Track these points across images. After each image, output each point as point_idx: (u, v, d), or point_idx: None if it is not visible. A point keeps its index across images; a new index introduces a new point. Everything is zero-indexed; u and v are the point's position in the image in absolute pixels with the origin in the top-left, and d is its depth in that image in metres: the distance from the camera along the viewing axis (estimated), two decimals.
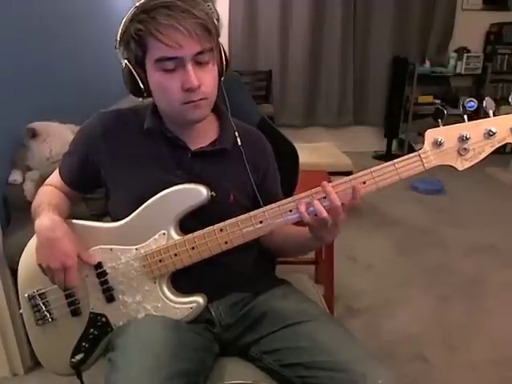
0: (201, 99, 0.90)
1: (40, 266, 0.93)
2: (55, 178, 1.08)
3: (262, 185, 1.04)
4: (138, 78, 0.90)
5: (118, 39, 0.90)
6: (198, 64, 0.87)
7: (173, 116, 0.95)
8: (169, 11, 0.82)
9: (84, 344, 0.97)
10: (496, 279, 2.32)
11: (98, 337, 0.97)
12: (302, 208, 0.86)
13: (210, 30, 0.86)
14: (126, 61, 0.90)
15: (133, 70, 0.90)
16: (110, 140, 1.00)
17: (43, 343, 1.02)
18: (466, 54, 4.34)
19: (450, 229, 2.88)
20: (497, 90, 4.45)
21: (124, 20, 0.88)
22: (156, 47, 0.85)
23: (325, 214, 0.84)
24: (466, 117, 0.85)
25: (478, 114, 0.86)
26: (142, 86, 0.91)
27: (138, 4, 0.86)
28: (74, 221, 1.00)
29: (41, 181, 1.12)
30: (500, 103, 0.84)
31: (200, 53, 0.86)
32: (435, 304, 2.11)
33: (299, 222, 0.90)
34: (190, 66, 0.86)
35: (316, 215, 0.85)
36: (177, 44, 0.83)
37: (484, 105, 0.84)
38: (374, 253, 2.59)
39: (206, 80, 0.89)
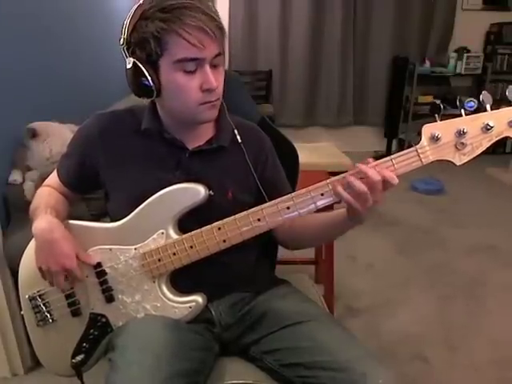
0: (216, 99, 0.91)
1: (40, 269, 0.93)
2: (53, 179, 1.08)
3: (263, 177, 1.04)
4: (148, 78, 0.87)
5: (127, 37, 0.87)
6: (214, 66, 0.89)
7: (185, 116, 0.93)
8: (192, 12, 0.83)
9: (84, 344, 0.97)
10: (496, 279, 2.32)
11: (98, 337, 0.97)
12: (339, 189, 0.82)
13: (225, 33, 0.89)
14: (133, 59, 0.87)
15: (144, 70, 0.87)
16: (108, 141, 1.00)
17: (44, 344, 1.02)
18: (466, 54, 4.34)
19: (451, 229, 2.88)
20: (497, 90, 4.44)
21: (131, 17, 0.86)
22: (179, 47, 0.84)
23: (364, 188, 0.80)
24: (463, 111, 0.84)
25: (477, 113, 0.85)
26: (152, 86, 0.88)
27: (142, 2, 0.85)
28: (73, 221, 1.00)
29: (40, 181, 1.12)
30: (500, 103, 0.83)
31: (217, 55, 0.88)
32: (435, 304, 2.11)
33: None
34: (208, 67, 0.87)
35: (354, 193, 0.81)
36: (202, 45, 0.84)
37: (481, 99, 0.83)
38: (373, 253, 2.59)
39: (219, 82, 0.91)
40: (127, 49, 0.88)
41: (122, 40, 0.88)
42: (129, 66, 0.88)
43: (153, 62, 0.87)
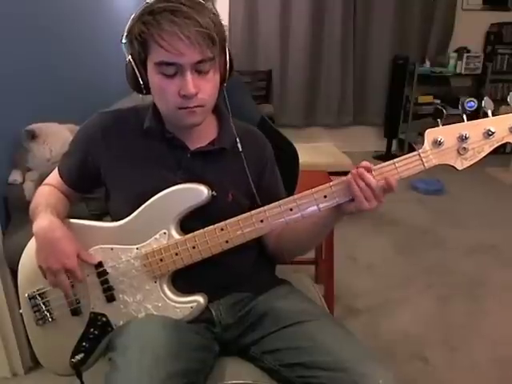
0: (196, 106, 0.90)
1: (40, 268, 0.93)
2: (54, 177, 1.08)
3: (260, 183, 1.04)
4: (138, 75, 0.91)
5: (125, 35, 0.90)
6: (198, 72, 0.88)
7: (169, 118, 0.96)
8: (173, 17, 0.83)
9: (84, 344, 0.97)
10: (496, 279, 2.32)
11: (98, 336, 0.97)
12: (353, 181, 0.85)
13: (213, 39, 0.86)
14: (129, 56, 0.91)
15: (134, 67, 0.91)
16: (110, 140, 1.00)
17: (43, 343, 1.02)
18: (466, 54, 4.34)
19: (450, 229, 2.88)
20: (497, 90, 4.45)
21: (132, 17, 0.89)
22: (157, 51, 0.86)
23: (375, 182, 0.83)
24: (465, 116, 0.86)
25: (477, 113, 0.86)
26: (141, 84, 0.92)
27: (148, 0, 0.87)
28: (75, 220, 1.00)
29: (40, 181, 1.12)
30: (500, 103, 0.84)
31: (200, 61, 0.86)
32: (435, 304, 2.12)
33: None
34: (188, 74, 0.86)
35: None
36: (177, 51, 0.84)
37: (483, 105, 0.84)
38: (373, 253, 2.60)
39: (205, 88, 0.89)
40: (126, 46, 0.91)
41: (121, 37, 0.91)
42: (127, 61, 0.92)
43: (141, 61, 0.90)
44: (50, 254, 0.91)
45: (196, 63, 0.86)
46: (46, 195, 1.03)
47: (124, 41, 0.91)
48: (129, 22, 0.89)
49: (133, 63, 0.90)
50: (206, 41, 0.85)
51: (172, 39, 0.83)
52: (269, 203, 0.91)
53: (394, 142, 4.63)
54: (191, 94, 0.87)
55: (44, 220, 0.93)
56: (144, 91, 0.93)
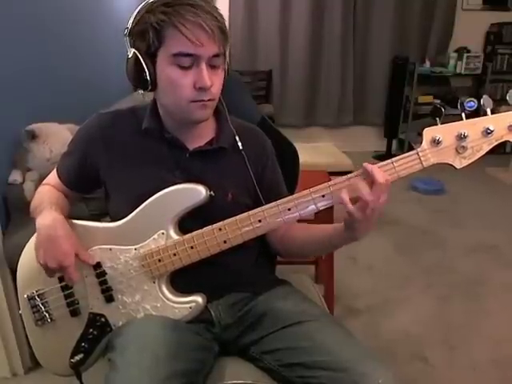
0: (209, 100, 0.91)
1: (40, 263, 0.93)
2: (53, 178, 1.08)
3: (261, 181, 1.04)
4: (145, 69, 0.89)
5: (131, 27, 0.90)
6: (211, 67, 0.89)
7: (177, 113, 0.94)
8: (194, 9, 0.84)
9: (83, 344, 0.97)
10: (496, 279, 2.32)
11: (97, 337, 0.97)
12: (345, 196, 0.82)
13: (227, 35, 0.89)
14: (134, 50, 0.89)
15: (142, 60, 0.89)
16: (109, 140, 1.00)
17: (43, 344, 1.02)
18: (466, 54, 4.34)
19: (450, 229, 2.88)
20: (497, 90, 4.44)
21: (139, 10, 0.89)
22: (176, 41, 0.85)
23: (369, 196, 0.80)
24: (463, 115, 0.85)
25: (477, 114, 0.86)
26: (148, 78, 0.89)
27: None
28: (74, 221, 1.00)
29: (40, 181, 1.12)
30: (500, 103, 0.83)
31: (216, 55, 0.88)
32: (435, 304, 2.11)
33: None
34: (204, 66, 0.87)
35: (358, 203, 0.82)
36: (199, 42, 0.84)
37: (482, 103, 0.84)
38: (373, 253, 2.59)
39: (216, 82, 0.91)
40: (130, 40, 0.91)
41: (125, 30, 0.91)
42: (129, 56, 0.91)
43: (151, 53, 0.89)
44: (48, 251, 0.90)
45: (212, 57, 0.87)
46: (48, 193, 1.04)
47: (129, 33, 0.90)
48: (135, 15, 0.89)
49: (139, 56, 0.88)
50: (222, 35, 0.87)
51: (195, 29, 0.84)
52: (271, 201, 0.90)
53: (394, 142, 4.63)
54: (207, 86, 0.88)
55: (48, 217, 0.93)
56: (150, 86, 0.91)
